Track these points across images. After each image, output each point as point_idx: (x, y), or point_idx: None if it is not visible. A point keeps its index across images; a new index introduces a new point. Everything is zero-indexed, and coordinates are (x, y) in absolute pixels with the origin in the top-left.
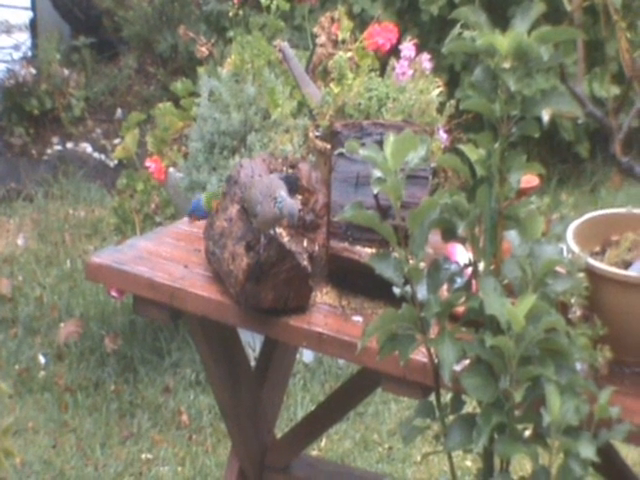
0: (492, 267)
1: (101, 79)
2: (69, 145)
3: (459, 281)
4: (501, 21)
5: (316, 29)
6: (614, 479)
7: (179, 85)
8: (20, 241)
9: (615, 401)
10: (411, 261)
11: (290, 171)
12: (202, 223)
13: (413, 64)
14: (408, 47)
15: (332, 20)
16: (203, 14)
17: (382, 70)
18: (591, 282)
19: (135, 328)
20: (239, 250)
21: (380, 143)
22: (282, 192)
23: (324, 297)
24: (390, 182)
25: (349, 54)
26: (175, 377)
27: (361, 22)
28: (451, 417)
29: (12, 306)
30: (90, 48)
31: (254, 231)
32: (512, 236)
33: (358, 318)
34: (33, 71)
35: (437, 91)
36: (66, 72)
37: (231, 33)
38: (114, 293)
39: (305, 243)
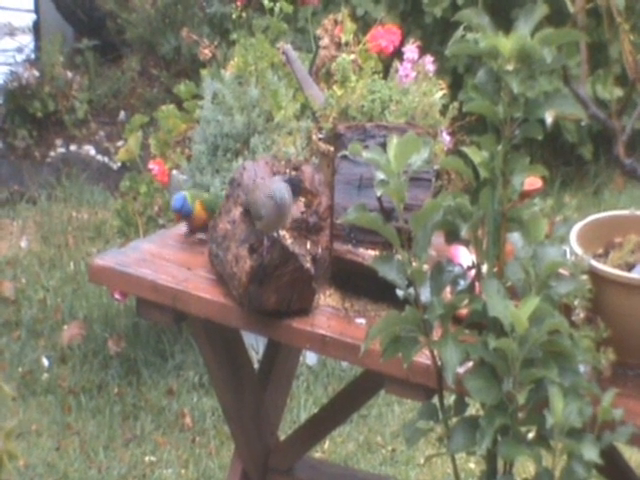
0: (495, 269)
1: (104, 81)
2: (72, 147)
3: (462, 283)
4: (504, 23)
5: (319, 31)
6: None
7: (182, 87)
8: (23, 243)
9: (618, 403)
10: (414, 263)
11: (293, 173)
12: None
13: (416, 66)
14: (411, 49)
15: (335, 22)
16: (206, 16)
17: (385, 72)
18: (594, 284)
19: (138, 330)
20: (242, 252)
21: (383, 145)
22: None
23: (327, 299)
24: (393, 184)
25: (352, 56)
26: (178, 379)
27: (364, 24)
28: (454, 419)
29: (15, 309)
30: (93, 50)
31: (257, 233)
32: (515, 238)
33: (361, 320)
34: (36, 73)
35: (440, 93)
36: (69, 74)
37: (234, 35)
38: (117, 295)
39: (308, 245)
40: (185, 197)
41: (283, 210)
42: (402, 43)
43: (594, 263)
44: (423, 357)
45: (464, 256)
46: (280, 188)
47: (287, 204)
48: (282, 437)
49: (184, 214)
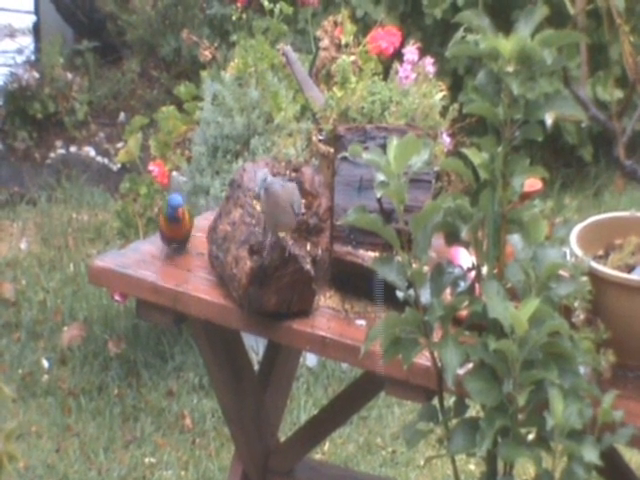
0: (495, 271)
1: (104, 83)
2: (72, 149)
3: (462, 285)
4: (504, 25)
5: (319, 33)
6: None
7: (182, 89)
8: (23, 245)
9: (618, 405)
10: (414, 265)
11: (293, 175)
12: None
13: (416, 68)
14: (411, 51)
15: (335, 24)
16: (206, 18)
17: (385, 74)
18: (594, 286)
19: (138, 332)
20: (242, 254)
21: (383, 147)
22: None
23: (327, 301)
24: (393, 186)
25: (352, 58)
26: (178, 381)
27: (364, 26)
28: (454, 421)
29: (15, 310)
30: (93, 52)
31: (257, 235)
32: (515, 240)
33: (361, 322)
34: (36, 75)
35: (440, 95)
36: (69, 76)
37: (234, 37)
38: (117, 297)
39: (308, 247)
40: (178, 204)
41: (274, 198)
42: (402, 44)
43: (594, 265)
44: (423, 359)
45: (464, 258)
46: (269, 180)
47: (276, 191)
48: (282, 438)
49: (179, 214)
